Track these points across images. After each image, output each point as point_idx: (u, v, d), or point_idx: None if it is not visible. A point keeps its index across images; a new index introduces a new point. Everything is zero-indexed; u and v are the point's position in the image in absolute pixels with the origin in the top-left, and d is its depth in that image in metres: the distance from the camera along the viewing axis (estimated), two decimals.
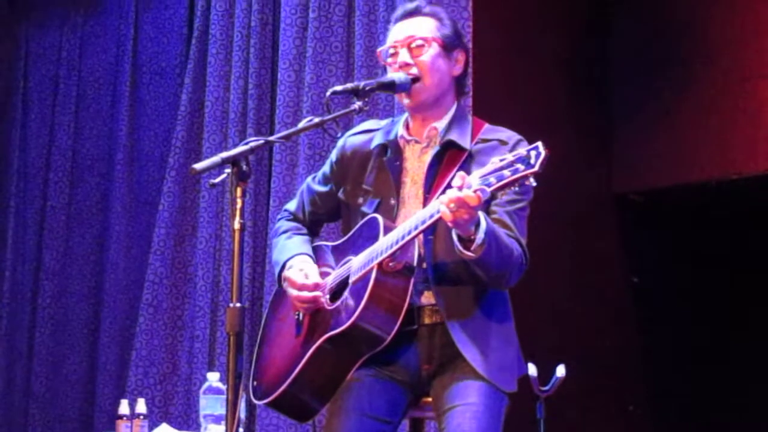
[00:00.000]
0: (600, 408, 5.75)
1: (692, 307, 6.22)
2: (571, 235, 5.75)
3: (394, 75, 3.41)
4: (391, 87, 3.40)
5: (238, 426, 3.03)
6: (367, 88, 3.37)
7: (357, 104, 3.36)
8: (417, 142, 3.47)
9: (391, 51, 3.47)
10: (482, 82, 5.02)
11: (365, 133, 3.58)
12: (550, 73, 5.86)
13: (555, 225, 5.43)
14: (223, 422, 3.17)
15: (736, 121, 5.74)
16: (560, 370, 3.62)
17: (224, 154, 3.12)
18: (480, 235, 3.08)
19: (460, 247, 3.12)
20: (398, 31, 3.48)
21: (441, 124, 3.45)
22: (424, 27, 3.45)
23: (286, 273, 3.47)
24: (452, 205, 3.00)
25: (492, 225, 3.16)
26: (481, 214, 3.11)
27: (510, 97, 5.49)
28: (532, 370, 3.57)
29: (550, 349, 4.63)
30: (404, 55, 3.43)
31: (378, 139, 3.52)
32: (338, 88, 3.40)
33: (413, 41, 3.43)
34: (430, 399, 3.37)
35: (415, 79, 3.40)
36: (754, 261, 6.32)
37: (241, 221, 3.09)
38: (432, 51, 3.42)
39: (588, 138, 6.01)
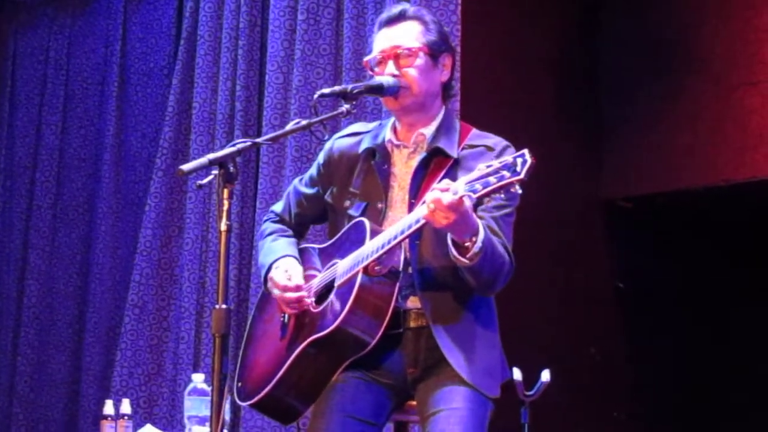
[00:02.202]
0: (585, 414, 5.74)
1: (680, 314, 6.23)
2: (560, 241, 5.74)
3: (382, 78, 3.38)
4: (379, 90, 3.38)
5: (222, 427, 3.03)
6: (355, 91, 3.36)
7: (345, 107, 3.35)
8: (405, 146, 3.46)
9: (378, 59, 3.45)
10: (471, 87, 5.03)
11: (353, 136, 3.57)
12: (539, 79, 5.86)
13: (544, 231, 5.42)
14: (208, 424, 3.16)
15: (724, 128, 5.74)
16: (545, 375, 3.61)
17: (211, 156, 3.11)
18: (478, 244, 3.09)
19: (455, 253, 3.12)
20: (384, 39, 3.44)
21: (428, 130, 3.43)
22: (410, 34, 3.41)
23: (271, 274, 3.46)
24: (432, 205, 3.00)
25: (489, 234, 3.15)
26: (480, 223, 3.11)
27: (499, 101, 5.49)
28: (517, 374, 3.57)
29: (536, 354, 4.63)
30: (390, 67, 3.40)
31: (366, 143, 3.50)
32: (326, 90, 3.39)
33: (399, 51, 3.40)
34: (414, 402, 3.36)
35: (403, 86, 3.39)
36: (743, 266, 6.33)
37: (228, 223, 3.08)
38: (418, 61, 3.39)
39: (577, 144, 6.00)
